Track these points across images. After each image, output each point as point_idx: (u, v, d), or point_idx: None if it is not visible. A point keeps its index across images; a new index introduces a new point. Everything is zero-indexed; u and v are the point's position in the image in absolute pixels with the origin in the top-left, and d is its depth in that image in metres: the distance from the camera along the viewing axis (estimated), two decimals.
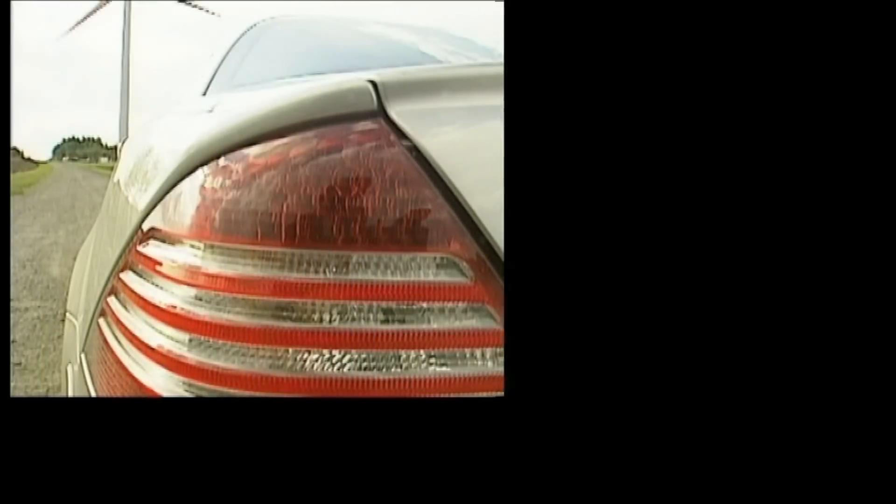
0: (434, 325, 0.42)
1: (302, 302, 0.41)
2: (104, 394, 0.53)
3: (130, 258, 0.52)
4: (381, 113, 0.43)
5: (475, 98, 0.45)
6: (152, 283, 0.47)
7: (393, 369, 0.41)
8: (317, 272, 0.41)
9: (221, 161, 0.44)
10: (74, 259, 1.36)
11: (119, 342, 0.50)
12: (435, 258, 0.42)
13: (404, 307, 0.41)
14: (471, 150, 0.43)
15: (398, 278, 0.41)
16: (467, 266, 0.42)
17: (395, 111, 0.43)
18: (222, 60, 1.23)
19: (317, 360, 0.41)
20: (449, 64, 1.02)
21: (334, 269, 0.41)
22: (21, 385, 2.09)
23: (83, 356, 0.65)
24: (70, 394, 0.70)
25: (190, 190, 0.46)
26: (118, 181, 0.77)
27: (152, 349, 0.45)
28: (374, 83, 0.43)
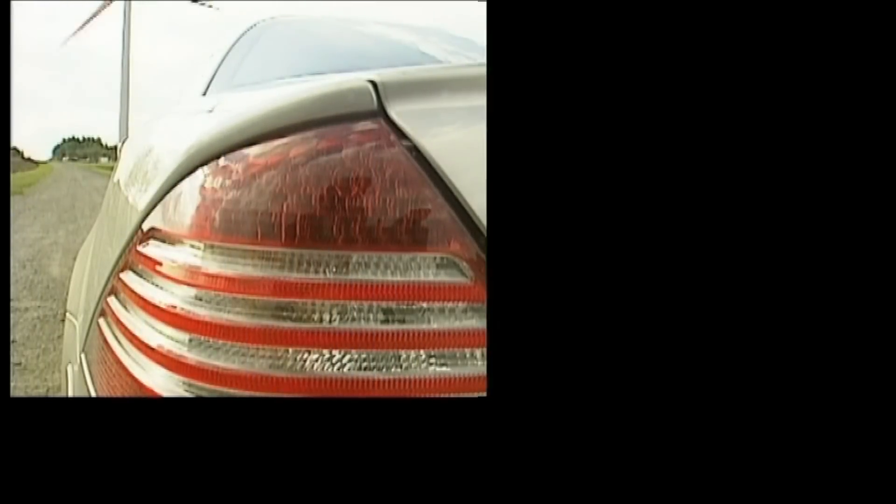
0: (434, 325, 0.42)
1: (302, 302, 0.41)
2: (104, 394, 0.53)
3: (130, 258, 0.52)
4: (381, 113, 0.43)
5: (475, 98, 0.44)
6: (152, 283, 0.47)
7: (393, 369, 0.41)
8: (317, 272, 0.41)
9: (221, 161, 0.44)
10: (74, 259, 1.36)
11: (119, 342, 0.50)
12: (435, 258, 0.42)
13: (404, 307, 0.41)
14: (471, 150, 0.43)
15: (398, 278, 0.41)
16: (467, 266, 0.42)
17: (395, 111, 0.43)
18: (222, 60, 1.23)
19: (317, 360, 0.41)
20: (449, 64, 1.01)
21: (334, 269, 0.41)
22: (21, 385, 2.09)
23: (83, 356, 0.65)
24: (70, 394, 0.70)
25: (190, 190, 0.46)
26: (118, 181, 0.77)
27: (152, 349, 0.45)
28: (374, 83, 0.43)
